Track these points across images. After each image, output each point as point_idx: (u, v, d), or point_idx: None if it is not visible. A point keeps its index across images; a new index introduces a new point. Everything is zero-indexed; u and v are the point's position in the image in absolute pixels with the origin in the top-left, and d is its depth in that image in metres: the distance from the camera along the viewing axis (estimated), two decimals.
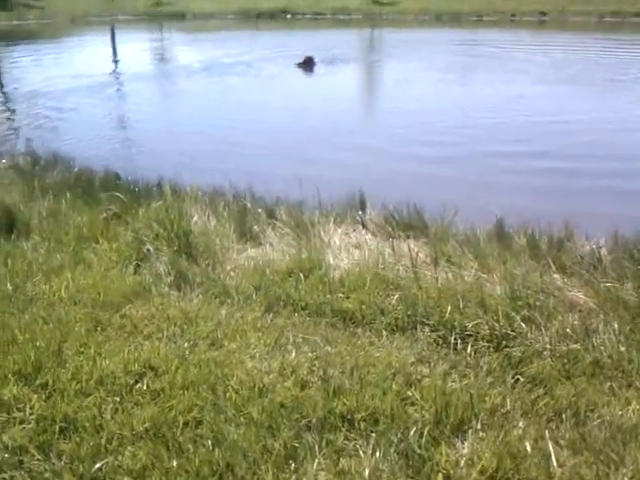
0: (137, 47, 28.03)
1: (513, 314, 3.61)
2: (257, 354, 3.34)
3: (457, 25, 34.75)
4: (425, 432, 2.70)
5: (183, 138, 10.37)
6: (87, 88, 15.89)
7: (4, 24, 38.72)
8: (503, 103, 12.79)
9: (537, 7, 37.31)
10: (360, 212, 5.72)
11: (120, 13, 44.81)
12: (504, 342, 3.42)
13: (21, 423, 2.82)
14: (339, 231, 5.18)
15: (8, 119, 12.95)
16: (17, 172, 7.29)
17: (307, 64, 17.29)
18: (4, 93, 17.18)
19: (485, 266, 4.38)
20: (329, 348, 3.40)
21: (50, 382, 3.07)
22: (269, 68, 17.93)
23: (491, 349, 3.38)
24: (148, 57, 24.27)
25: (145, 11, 45.19)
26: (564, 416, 2.85)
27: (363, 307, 3.80)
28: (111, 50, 28.45)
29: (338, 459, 2.60)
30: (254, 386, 3.05)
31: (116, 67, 21.95)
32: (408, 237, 5.05)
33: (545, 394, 3.02)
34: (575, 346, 3.33)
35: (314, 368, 3.21)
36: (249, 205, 5.80)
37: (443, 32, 31.36)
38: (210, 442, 2.66)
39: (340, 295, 3.95)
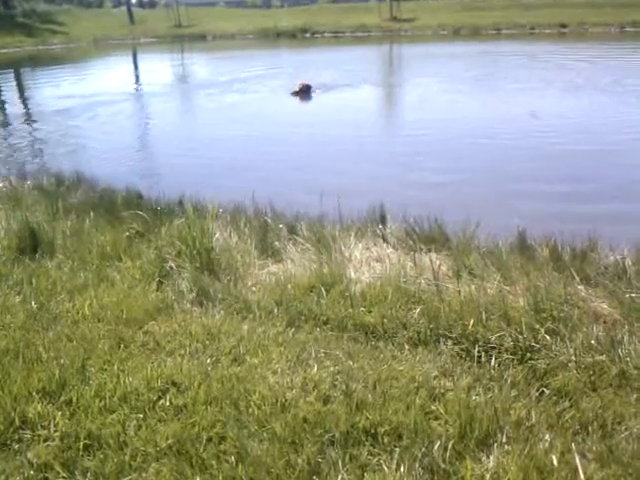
0: (158, 67, 28.61)
1: (537, 326, 3.57)
2: (279, 369, 3.34)
3: (476, 39, 34.72)
4: (449, 446, 2.67)
5: (198, 157, 10.56)
6: (108, 107, 16.44)
7: (30, 49, 39.59)
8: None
9: (556, 19, 37.24)
10: (381, 226, 5.71)
11: (142, 36, 45.59)
12: (528, 354, 3.38)
13: (46, 440, 2.84)
14: (360, 245, 5.17)
15: (33, 138, 13.26)
16: (41, 192, 7.39)
17: (303, 92, 16.08)
18: (29, 112, 17.63)
19: (508, 278, 4.34)
20: (351, 362, 3.38)
21: (74, 399, 3.09)
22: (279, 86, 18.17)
23: (515, 362, 3.35)
24: (168, 76, 24.73)
25: (166, 33, 45.90)
26: (591, 429, 2.80)
27: (385, 321, 3.78)
28: (133, 71, 29.07)
29: (362, 474, 2.58)
30: (276, 401, 3.04)
31: (137, 86, 22.43)
32: (429, 250, 5.02)
33: (571, 406, 2.97)
34: (600, 357, 3.28)
35: (336, 383, 3.20)
36: (270, 221, 5.82)
37: (467, 45, 31.30)
38: (233, 458, 2.66)
39: (362, 309, 3.94)
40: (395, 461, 2.62)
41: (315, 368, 3.32)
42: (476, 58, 25.94)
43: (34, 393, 3.14)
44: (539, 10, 40.71)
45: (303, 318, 3.92)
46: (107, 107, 16.34)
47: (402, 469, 2.57)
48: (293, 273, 4.59)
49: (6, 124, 15.82)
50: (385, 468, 2.60)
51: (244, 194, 6.49)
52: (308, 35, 42.23)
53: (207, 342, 3.63)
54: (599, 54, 24.01)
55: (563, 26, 36.70)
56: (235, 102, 16.34)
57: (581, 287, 4.19)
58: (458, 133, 11.18)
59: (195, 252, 4.68)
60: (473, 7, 45.76)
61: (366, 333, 3.72)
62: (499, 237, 5.25)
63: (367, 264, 4.78)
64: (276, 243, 5.27)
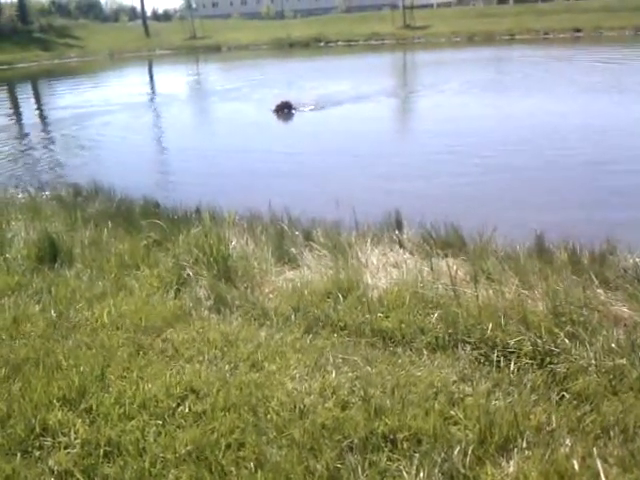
0: (172, 78, 28.96)
1: (556, 330, 3.54)
2: (297, 375, 3.33)
3: (490, 45, 34.69)
4: (469, 451, 2.65)
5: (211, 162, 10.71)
6: (123, 115, 16.85)
7: (47, 63, 40.06)
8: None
9: (570, 24, 37.13)
10: (397, 231, 5.70)
11: (157, 48, 46.00)
12: (548, 359, 3.35)
13: (66, 447, 2.85)
14: (376, 251, 5.17)
15: (50, 149, 13.51)
16: (60, 203, 7.47)
17: (283, 109, 15.39)
18: (45, 123, 17.94)
19: (526, 282, 4.31)
20: (369, 368, 3.37)
21: (94, 406, 3.11)
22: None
23: (534, 366, 3.32)
24: (183, 86, 25.05)
25: (181, 45, 46.32)
26: (612, 433, 2.77)
27: (403, 326, 3.77)
28: (148, 81, 29.50)
29: None
30: (295, 407, 3.03)
31: (152, 96, 22.80)
32: (446, 255, 5.01)
33: (592, 411, 2.94)
34: (621, 361, 3.25)
35: (355, 388, 3.18)
36: (286, 228, 5.83)
37: (481, 51, 31.27)
38: (252, 464, 2.65)
39: (379, 315, 3.92)
40: (415, 467, 2.60)
41: (333, 374, 3.32)
42: (498, 63, 26.01)
43: (54, 401, 3.16)
44: (553, 15, 40.63)
45: (320, 324, 3.91)
46: (116, 116, 16.91)
47: (422, 474, 2.56)
48: (310, 279, 4.60)
49: (24, 135, 16.11)
50: (405, 474, 2.58)
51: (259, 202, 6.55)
52: (322, 44, 42.39)
53: (225, 349, 3.63)
54: (623, 56, 23.94)
55: (577, 30, 36.59)
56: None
57: (600, 290, 4.15)
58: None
59: (212, 260, 4.70)
60: (486, 14, 45.81)
61: (384, 339, 3.71)
62: (516, 241, 5.22)
63: (384, 270, 4.77)
64: (292, 250, 5.28)
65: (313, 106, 15.89)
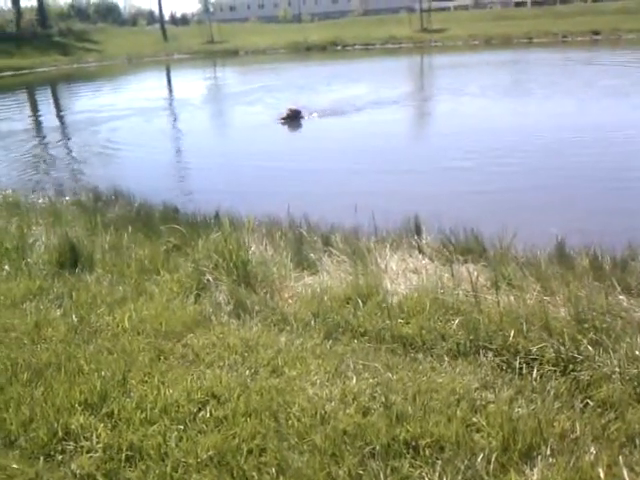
0: (190, 82, 29.20)
1: (579, 337, 3.50)
2: (318, 381, 3.33)
3: (508, 48, 34.54)
4: (492, 459, 2.63)
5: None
6: (140, 119, 17.11)
7: (66, 67, 40.44)
8: None
9: (588, 27, 36.89)
10: (416, 237, 5.68)
11: (175, 52, 46.28)
12: (571, 366, 3.32)
13: (88, 452, 2.87)
14: (395, 257, 5.15)
15: (69, 152, 13.70)
16: (80, 208, 7.53)
17: (292, 118, 14.58)
18: (64, 125, 18.18)
19: (547, 288, 4.28)
20: (390, 374, 3.36)
21: (116, 411, 3.12)
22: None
23: (557, 373, 3.29)
24: (200, 91, 25.25)
25: (199, 49, 46.57)
26: (638, 441, 2.74)
27: (423, 332, 3.75)
28: (165, 85, 29.77)
29: None
30: (316, 413, 3.03)
31: (170, 100, 23.06)
32: (466, 261, 4.98)
33: (616, 418, 2.91)
34: None
35: (376, 395, 3.17)
36: (305, 233, 5.83)
37: (500, 54, 31.14)
38: (274, 470, 2.65)
39: (399, 321, 3.91)
40: (437, 474, 2.59)
41: (354, 380, 3.31)
42: (518, 66, 25.91)
43: (76, 405, 3.18)
44: (570, 18, 40.41)
45: (340, 330, 3.91)
46: (133, 120, 17.25)
47: None
48: (329, 285, 4.59)
49: (42, 138, 16.32)
50: None
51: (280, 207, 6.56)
52: (339, 48, 42.43)
53: (245, 354, 3.64)
54: None
55: (596, 33, 36.33)
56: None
57: (623, 297, 4.11)
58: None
59: (232, 265, 4.71)
60: (504, 17, 45.67)
61: (404, 345, 3.69)
62: (537, 247, 5.18)
63: (403, 275, 4.76)
64: (311, 255, 5.28)
65: (324, 112, 15.48)
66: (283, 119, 14.52)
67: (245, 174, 10.14)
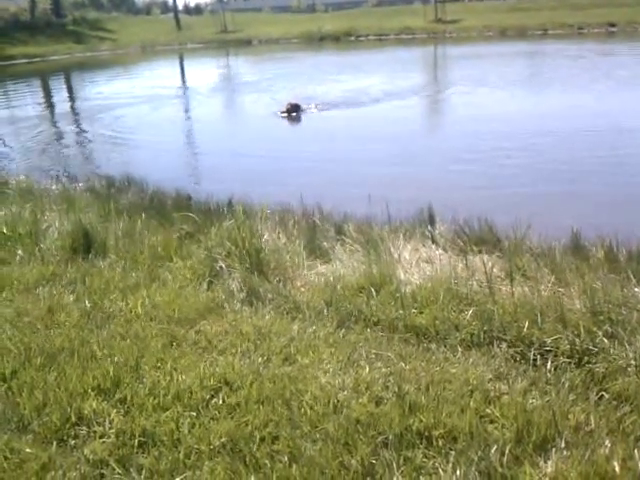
0: (203, 71, 29.24)
1: (594, 329, 3.47)
2: (330, 369, 3.32)
3: (523, 39, 34.26)
4: (506, 450, 2.61)
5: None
6: (151, 107, 17.21)
7: (79, 55, 40.50)
8: None
9: (604, 19, 36.51)
10: (429, 227, 5.65)
11: (189, 42, 46.23)
12: (586, 358, 3.29)
13: (101, 437, 2.87)
14: (409, 246, 5.13)
15: (82, 138, 13.75)
16: (93, 194, 7.54)
17: (292, 112, 14.25)
18: (76, 112, 18.28)
19: (562, 280, 4.24)
20: (403, 364, 3.34)
21: (128, 397, 3.13)
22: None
23: (572, 365, 3.26)
24: (212, 80, 25.29)
25: (212, 39, 46.49)
26: None
27: (437, 322, 3.73)
28: (178, 74, 29.83)
29: (417, 477, 2.54)
30: (329, 402, 3.01)
31: (183, 89, 23.13)
32: (480, 252, 4.95)
33: (632, 412, 2.87)
34: None
35: (389, 384, 3.16)
36: (318, 222, 5.81)
37: (516, 45, 30.88)
38: (287, 458, 2.64)
39: (413, 310, 3.89)
40: (451, 464, 2.57)
41: (367, 369, 3.29)
42: (535, 57, 25.73)
43: (89, 390, 3.19)
44: (587, 10, 39.96)
45: (353, 319, 3.89)
46: (144, 108, 17.34)
47: (458, 473, 2.52)
48: (342, 274, 4.57)
49: (55, 124, 16.41)
50: (441, 471, 2.55)
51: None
52: (352, 38, 42.22)
53: (258, 342, 3.63)
54: None
55: (612, 25, 35.93)
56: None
57: (638, 289, 4.06)
58: None
59: (245, 252, 4.70)
60: (519, 8, 45.22)
61: (417, 335, 3.67)
62: (551, 238, 5.14)
63: (417, 265, 4.73)
64: (324, 244, 5.26)
65: (332, 103, 15.27)
66: (283, 113, 14.27)
67: (252, 164, 10.08)
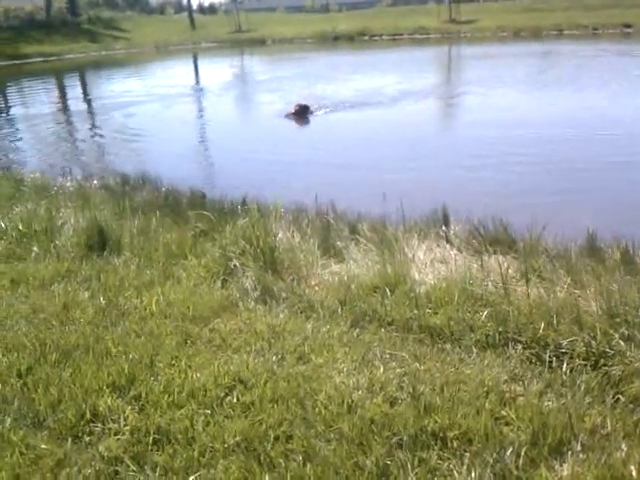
0: (216, 70, 29.34)
1: (611, 331, 3.44)
2: (345, 369, 3.31)
3: (537, 40, 34.06)
4: (522, 453, 2.59)
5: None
6: (162, 104, 17.30)
7: (94, 54, 40.69)
8: None
9: (619, 19, 36.24)
10: (444, 227, 5.63)
11: (203, 41, 46.32)
12: (602, 360, 3.26)
13: (116, 434, 2.88)
14: (423, 246, 5.11)
15: (97, 135, 13.85)
16: (108, 191, 7.57)
17: (300, 113, 13.96)
18: (89, 109, 18.41)
19: (578, 282, 4.21)
20: (417, 364, 3.33)
21: (143, 394, 3.13)
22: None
23: (588, 367, 3.23)
24: (225, 79, 25.34)
25: (227, 38, 46.57)
26: None
27: (451, 323, 3.71)
28: (192, 73, 29.96)
29: (432, 479, 2.53)
30: (343, 402, 3.01)
31: (196, 87, 23.25)
32: (495, 252, 4.92)
33: None
34: None
35: (403, 384, 3.15)
36: (332, 221, 5.80)
37: (530, 46, 30.70)
38: (301, 457, 2.64)
39: (427, 311, 3.87)
40: (465, 466, 2.56)
41: (381, 369, 3.28)
42: (550, 58, 25.57)
43: (104, 387, 3.20)
44: (601, 10, 39.65)
45: (367, 318, 3.88)
46: (156, 106, 17.46)
47: (473, 474, 2.51)
48: (356, 273, 4.56)
49: (70, 121, 16.52)
50: (455, 473, 2.54)
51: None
52: (366, 38, 42.15)
53: (272, 340, 3.63)
54: None
55: (627, 26, 35.65)
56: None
57: None
58: None
59: (259, 251, 4.70)
60: (533, 9, 44.97)
61: (432, 335, 3.66)
62: (567, 239, 5.10)
63: (431, 265, 4.71)
64: (338, 243, 5.25)
65: (342, 104, 15.04)
66: (291, 114, 13.98)
67: (260, 164, 10.00)
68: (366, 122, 13.48)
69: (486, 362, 3.34)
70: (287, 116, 13.98)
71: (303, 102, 14.37)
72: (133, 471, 2.64)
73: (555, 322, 3.56)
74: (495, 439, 2.71)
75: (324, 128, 13.30)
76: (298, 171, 9.45)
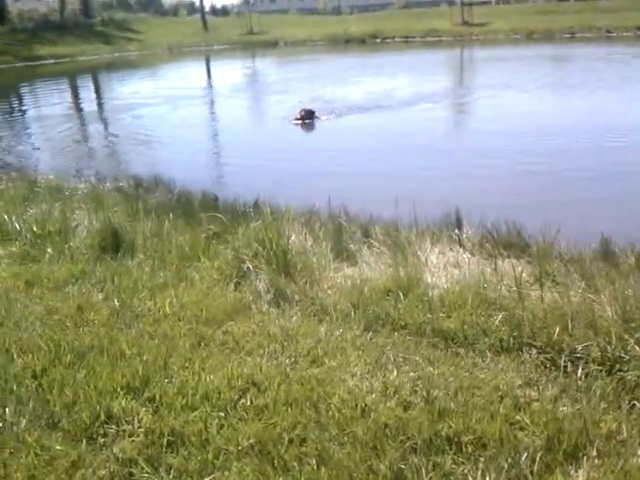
0: (227, 72, 29.46)
1: (626, 336, 3.41)
2: (358, 373, 3.31)
3: (550, 42, 33.94)
4: (537, 458, 2.58)
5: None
6: (173, 105, 17.34)
7: (107, 56, 40.92)
8: None
9: (633, 22, 36.03)
10: (457, 230, 5.61)
11: (215, 43, 46.49)
12: (617, 365, 3.24)
13: (130, 436, 2.88)
14: (436, 250, 5.09)
15: (107, 137, 13.90)
16: (121, 194, 7.61)
17: (305, 119, 13.79)
18: (102, 110, 18.52)
19: (592, 286, 4.18)
20: (431, 368, 3.32)
21: (157, 396, 3.14)
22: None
23: (603, 373, 3.21)
24: (237, 81, 25.44)
25: (239, 40, 46.71)
26: None
27: (465, 327, 3.70)
28: (204, 75, 30.09)
29: None
30: (356, 405, 3.01)
31: (208, 89, 23.39)
32: (509, 256, 4.91)
33: None
34: None
35: (417, 389, 3.14)
36: (344, 224, 5.80)
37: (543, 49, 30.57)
38: (315, 461, 2.63)
39: (441, 314, 3.86)
40: (480, 471, 2.55)
41: (395, 373, 3.28)
42: (565, 61, 25.47)
43: (118, 389, 3.20)
44: (614, 13, 39.43)
45: (380, 322, 3.87)
46: (167, 108, 17.62)
47: (488, 479, 2.50)
48: (369, 276, 4.55)
49: (82, 122, 16.64)
50: (470, 478, 2.53)
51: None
52: (378, 40, 42.14)
53: (285, 343, 3.63)
54: None
55: None
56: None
57: None
58: None
59: (272, 254, 4.70)
60: (546, 11, 44.84)
61: (446, 339, 3.65)
62: (581, 243, 5.08)
63: (444, 269, 4.70)
64: (351, 246, 5.25)
65: (351, 108, 14.97)
66: (297, 120, 13.83)
67: (265, 170, 9.96)
68: (375, 126, 13.48)
69: (500, 367, 3.33)
70: (293, 121, 13.87)
71: (309, 107, 14.28)
72: (147, 473, 2.64)
73: (570, 327, 3.54)
74: (510, 444, 2.70)
75: (330, 133, 13.26)
76: (305, 175, 9.46)
